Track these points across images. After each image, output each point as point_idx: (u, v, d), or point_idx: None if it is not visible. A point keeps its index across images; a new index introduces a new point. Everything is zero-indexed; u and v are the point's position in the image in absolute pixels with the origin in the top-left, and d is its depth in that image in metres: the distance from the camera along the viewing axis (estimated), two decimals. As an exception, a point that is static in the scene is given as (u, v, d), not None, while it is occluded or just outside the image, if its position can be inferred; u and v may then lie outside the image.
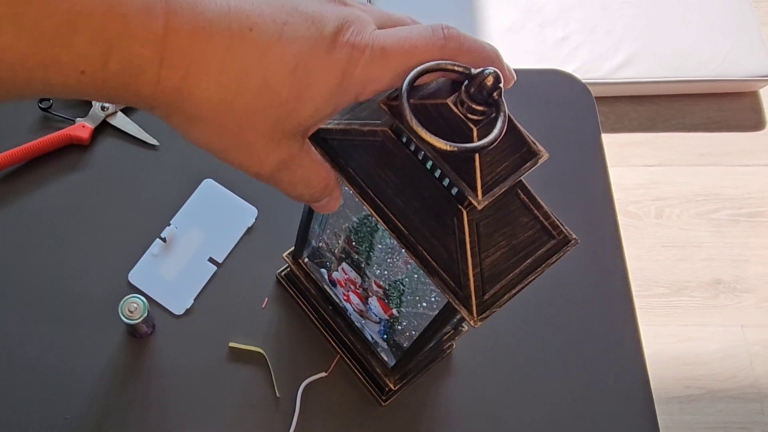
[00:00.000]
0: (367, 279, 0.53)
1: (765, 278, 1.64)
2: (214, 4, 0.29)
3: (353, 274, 0.55)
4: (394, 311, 0.53)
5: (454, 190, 0.36)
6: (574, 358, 0.68)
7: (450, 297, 0.38)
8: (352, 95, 0.32)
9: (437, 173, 0.37)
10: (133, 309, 0.62)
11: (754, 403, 1.50)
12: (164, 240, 0.69)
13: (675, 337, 1.57)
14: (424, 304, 0.48)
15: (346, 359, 0.65)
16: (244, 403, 0.64)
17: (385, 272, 0.50)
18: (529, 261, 0.39)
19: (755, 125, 1.82)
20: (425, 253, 0.38)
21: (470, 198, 0.34)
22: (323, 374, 0.65)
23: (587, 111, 0.80)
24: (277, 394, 0.64)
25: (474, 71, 0.32)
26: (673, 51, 1.70)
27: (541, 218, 0.40)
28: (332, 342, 0.65)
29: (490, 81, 0.31)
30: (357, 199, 0.41)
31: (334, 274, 0.59)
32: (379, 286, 0.52)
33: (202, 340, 0.66)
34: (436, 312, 0.46)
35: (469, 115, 0.32)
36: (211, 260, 0.69)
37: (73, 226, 0.70)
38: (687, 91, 1.78)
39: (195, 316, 0.67)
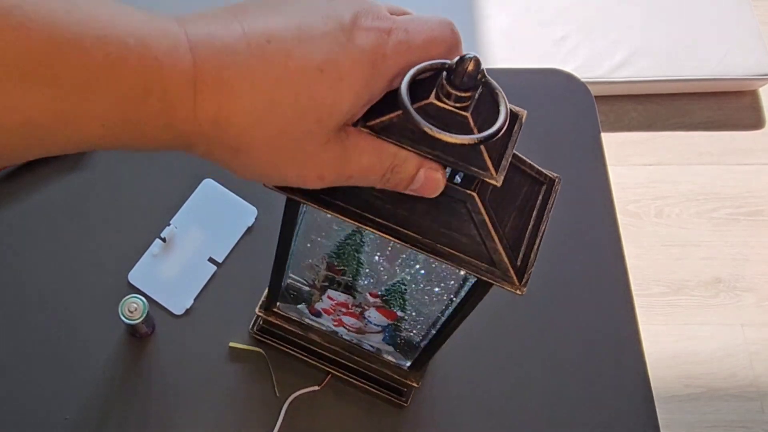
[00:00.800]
0: (359, 295, 0.52)
1: (765, 277, 1.64)
2: (228, 30, 0.29)
3: (342, 297, 0.53)
4: (399, 313, 0.52)
5: (457, 179, 0.37)
6: (574, 357, 0.68)
7: (488, 278, 0.38)
8: (386, 78, 0.32)
9: None
10: (133, 309, 0.62)
11: (753, 401, 1.50)
12: (164, 240, 0.69)
13: (675, 336, 1.57)
14: (437, 290, 0.48)
15: (344, 375, 0.64)
16: (244, 403, 0.64)
17: (380, 281, 0.49)
18: (534, 214, 0.40)
19: (755, 124, 1.82)
20: (448, 249, 0.38)
21: (487, 179, 0.34)
22: (315, 387, 0.64)
23: (587, 110, 0.80)
24: (277, 394, 0.64)
25: (452, 62, 0.32)
26: (672, 50, 1.70)
27: (528, 171, 0.41)
28: (325, 366, 0.64)
29: (472, 66, 0.31)
30: (348, 226, 0.41)
31: (318, 305, 0.56)
32: (376, 296, 0.51)
33: (202, 340, 0.66)
34: (455, 292, 0.46)
35: (458, 104, 0.32)
36: (210, 260, 0.69)
37: (73, 226, 0.70)
38: (686, 90, 1.78)
39: (195, 316, 0.67)
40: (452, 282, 0.47)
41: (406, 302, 0.50)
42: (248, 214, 0.71)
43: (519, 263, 0.39)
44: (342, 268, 0.49)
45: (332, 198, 0.38)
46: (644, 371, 0.68)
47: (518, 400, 0.66)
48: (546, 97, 0.81)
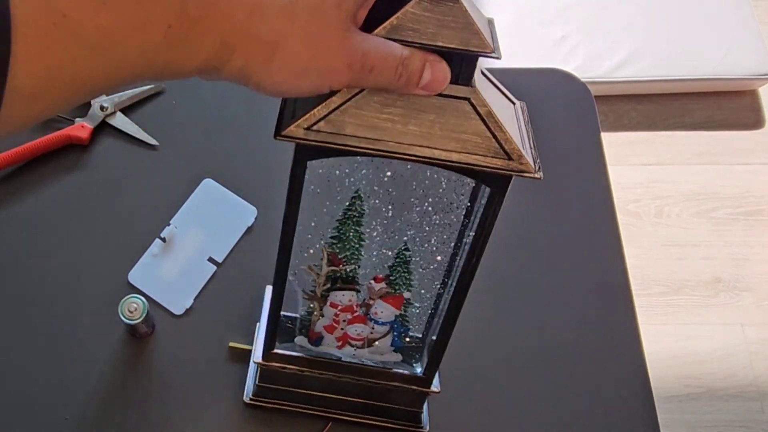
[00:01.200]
0: (363, 288, 0.52)
1: (764, 277, 1.64)
2: None
3: (346, 297, 0.53)
4: (406, 295, 0.53)
5: (458, 77, 0.39)
6: (574, 357, 0.68)
7: (507, 172, 0.40)
8: None
9: None
10: (133, 309, 0.62)
11: (753, 401, 1.50)
12: (164, 240, 0.69)
13: (674, 335, 1.57)
14: (437, 246, 0.50)
15: (351, 417, 0.63)
16: (244, 403, 0.64)
17: (383, 254, 0.50)
18: (514, 115, 0.43)
19: (754, 124, 1.82)
20: (464, 153, 0.40)
21: (489, 56, 0.38)
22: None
23: (587, 110, 0.80)
24: None
25: None
26: (672, 50, 1.70)
27: (499, 87, 0.45)
28: (328, 413, 0.63)
29: None
30: (349, 192, 0.44)
31: (319, 324, 0.55)
32: (381, 280, 0.52)
33: (202, 340, 0.66)
34: (462, 221, 0.49)
35: None
36: (210, 260, 0.69)
37: (72, 226, 0.70)
38: (686, 90, 1.78)
39: (195, 316, 0.67)
40: (460, 207, 0.48)
41: (412, 275, 0.51)
42: (248, 214, 0.71)
43: (524, 150, 0.41)
44: (344, 254, 0.50)
45: (341, 132, 0.40)
46: (644, 371, 0.68)
47: (518, 399, 0.66)
48: (546, 97, 0.81)
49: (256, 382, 0.62)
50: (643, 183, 1.74)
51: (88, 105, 0.75)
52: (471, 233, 0.48)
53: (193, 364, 0.65)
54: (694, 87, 1.76)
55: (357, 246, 0.50)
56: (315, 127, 0.39)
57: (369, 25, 0.37)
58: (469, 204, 0.48)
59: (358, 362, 0.58)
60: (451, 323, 0.52)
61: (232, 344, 0.65)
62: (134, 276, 0.68)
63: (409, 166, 0.45)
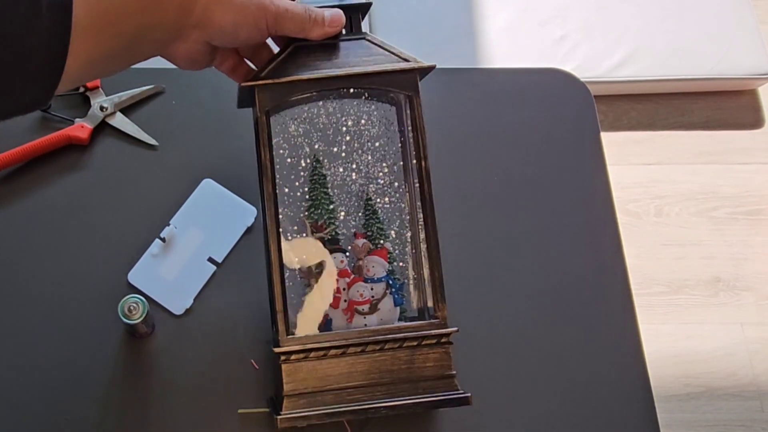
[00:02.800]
0: (350, 247, 0.61)
1: (764, 276, 1.64)
2: None
3: (338, 259, 0.61)
4: (388, 245, 0.61)
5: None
6: (574, 357, 0.68)
7: (409, 66, 0.58)
8: None
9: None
10: (132, 309, 0.62)
11: (753, 401, 1.50)
12: (164, 240, 0.69)
13: (674, 335, 1.57)
14: (390, 177, 0.62)
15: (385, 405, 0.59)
16: (244, 403, 0.64)
17: (354, 216, 0.61)
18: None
19: (754, 123, 1.82)
20: (377, 69, 0.57)
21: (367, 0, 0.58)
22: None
23: (586, 110, 0.80)
24: (278, 394, 0.64)
25: None
26: (671, 49, 1.70)
27: None
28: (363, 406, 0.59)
29: None
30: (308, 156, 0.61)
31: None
32: (360, 236, 0.61)
33: (202, 340, 0.66)
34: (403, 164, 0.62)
35: None
36: (210, 260, 0.69)
37: (72, 226, 0.70)
38: (686, 90, 1.78)
39: (195, 316, 0.67)
40: (391, 125, 0.62)
41: (383, 223, 0.61)
42: (248, 214, 0.71)
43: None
44: (323, 218, 0.60)
45: (286, 74, 0.57)
46: (644, 371, 0.68)
47: (517, 399, 0.66)
48: (545, 97, 0.81)
49: (284, 393, 0.58)
50: (642, 183, 1.74)
51: (88, 105, 0.75)
52: (411, 148, 0.60)
53: (193, 364, 0.65)
54: (693, 87, 1.76)
55: (329, 206, 0.61)
56: (267, 76, 0.56)
57: None
58: (398, 128, 0.62)
59: (373, 328, 0.58)
60: (434, 248, 0.59)
61: (241, 411, 0.64)
62: (134, 276, 0.68)
63: (335, 103, 0.61)
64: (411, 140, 0.60)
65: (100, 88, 0.76)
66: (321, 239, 0.60)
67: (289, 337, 0.58)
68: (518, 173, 0.76)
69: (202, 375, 0.65)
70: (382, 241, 0.61)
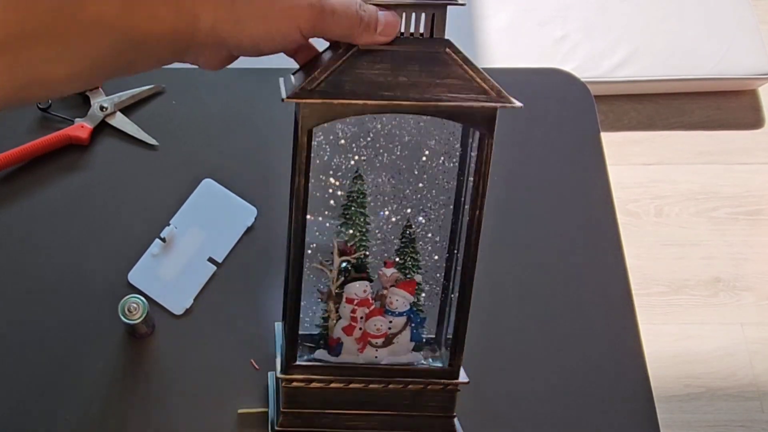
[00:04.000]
0: (376, 276, 0.54)
1: (764, 276, 1.64)
2: None
3: (361, 288, 0.53)
4: (417, 278, 0.55)
5: (432, 30, 0.45)
6: (574, 357, 0.68)
7: (491, 102, 0.46)
8: None
9: (411, 28, 0.45)
10: (132, 309, 0.62)
11: (753, 401, 1.50)
12: (164, 240, 0.69)
13: (674, 335, 1.57)
14: (438, 212, 0.54)
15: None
16: (244, 402, 0.64)
17: (389, 239, 0.53)
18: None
19: (754, 123, 1.82)
20: (450, 95, 0.45)
21: (456, 3, 0.44)
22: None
23: (586, 110, 0.80)
24: (278, 394, 0.64)
25: None
26: (671, 49, 1.70)
27: None
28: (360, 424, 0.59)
29: None
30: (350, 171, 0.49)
31: (337, 328, 0.55)
32: (391, 265, 0.54)
33: (202, 340, 0.66)
34: (454, 197, 0.53)
35: None
36: (210, 260, 0.69)
37: (72, 227, 0.70)
38: (686, 90, 1.78)
39: (195, 316, 0.67)
40: (452, 157, 0.53)
41: (419, 255, 0.54)
42: (248, 214, 0.71)
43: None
44: (353, 240, 0.53)
45: (341, 89, 0.44)
46: (644, 371, 0.68)
47: (517, 399, 0.66)
48: (546, 97, 0.81)
49: (281, 409, 0.58)
50: (642, 183, 1.74)
51: (88, 105, 0.75)
52: (469, 188, 0.51)
53: (193, 364, 0.65)
54: (693, 87, 1.76)
55: (363, 228, 0.53)
56: (318, 88, 0.44)
57: None
58: (460, 150, 0.53)
59: (380, 362, 0.57)
60: (466, 301, 0.53)
61: (241, 411, 0.64)
62: (134, 276, 0.68)
63: (396, 120, 0.51)
64: (471, 182, 0.51)
65: (100, 88, 0.76)
66: (347, 262, 0.54)
67: (295, 364, 0.56)
68: (518, 173, 0.76)
69: (202, 375, 0.65)
70: (412, 274, 0.55)
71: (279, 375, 0.56)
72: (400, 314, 0.54)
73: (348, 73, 0.44)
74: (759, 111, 1.83)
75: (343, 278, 0.53)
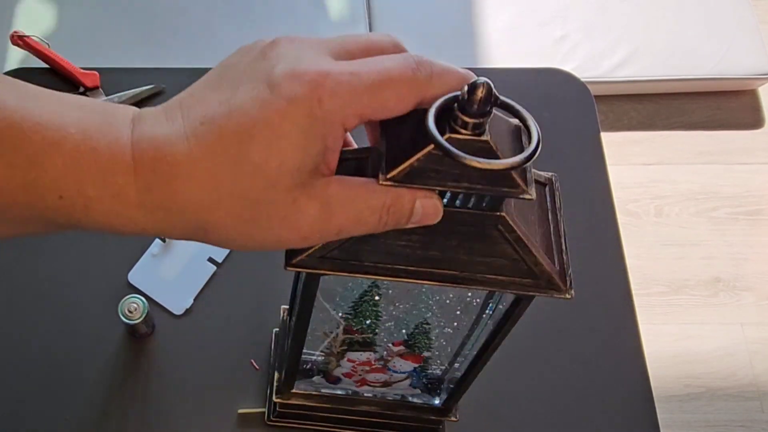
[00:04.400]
0: (380, 348, 0.51)
1: (764, 276, 1.64)
2: (171, 123, 0.30)
3: (364, 356, 0.52)
4: (426, 354, 0.51)
5: (484, 203, 0.36)
6: (574, 357, 0.68)
7: (536, 292, 0.38)
8: (332, 122, 0.30)
9: (458, 202, 0.35)
10: (132, 309, 0.62)
11: (753, 401, 1.50)
12: (164, 240, 0.69)
13: (674, 335, 1.57)
14: (461, 318, 0.48)
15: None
16: (244, 402, 0.64)
17: (402, 327, 0.48)
18: (550, 217, 0.41)
19: (754, 123, 1.82)
20: (489, 276, 0.37)
21: (522, 196, 0.33)
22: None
23: (586, 109, 0.80)
24: (278, 394, 0.64)
25: (463, 92, 0.31)
26: (671, 49, 1.70)
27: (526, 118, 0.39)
28: (349, 430, 0.62)
29: (484, 93, 0.30)
30: (365, 281, 0.41)
31: (337, 371, 0.55)
32: (399, 344, 0.50)
33: (202, 340, 0.66)
34: (479, 313, 0.47)
35: (475, 131, 0.31)
36: (210, 260, 0.69)
37: (72, 227, 0.70)
38: (686, 90, 1.78)
39: (195, 316, 0.67)
40: (477, 300, 0.47)
41: (432, 341, 0.49)
42: (248, 214, 0.71)
43: (558, 268, 0.38)
44: (360, 327, 0.48)
45: (356, 259, 0.37)
46: (644, 371, 0.68)
47: (517, 399, 0.66)
48: (546, 97, 0.81)
49: (276, 409, 0.61)
50: (642, 183, 1.74)
51: (88, 105, 0.75)
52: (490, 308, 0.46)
53: (193, 364, 0.65)
54: (693, 87, 1.76)
55: (374, 321, 0.47)
56: (329, 255, 0.36)
57: (379, 168, 0.33)
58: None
59: (376, 396, 0.58)
60: (476, 372, 0.51)
61: (241, 411, 0.64)
62: (134, 276, 0.68)
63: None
64: (492, 324, 0.47)
65: (100, 88, 0.76)
66: (350, 339, 0.50)
67: (292, 392, 0.57)
68: (518, 173, 0.76)
69: (202, 375, 0.65)
70: (421, 352, 0.51)
71: (276, 399, 0.58)
72: (403, 373, 0.54)
73: (369, 242, 0.36)
74: (759, 111, 1.83)
75: (346, 347, 0.51)
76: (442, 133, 0.31)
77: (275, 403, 0.60)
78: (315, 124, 0.29)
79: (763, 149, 1.79)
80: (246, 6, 1.50)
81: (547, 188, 0.42)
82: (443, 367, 0.55)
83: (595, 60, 1.66)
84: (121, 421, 0.63)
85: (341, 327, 0.49)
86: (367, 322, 0.47)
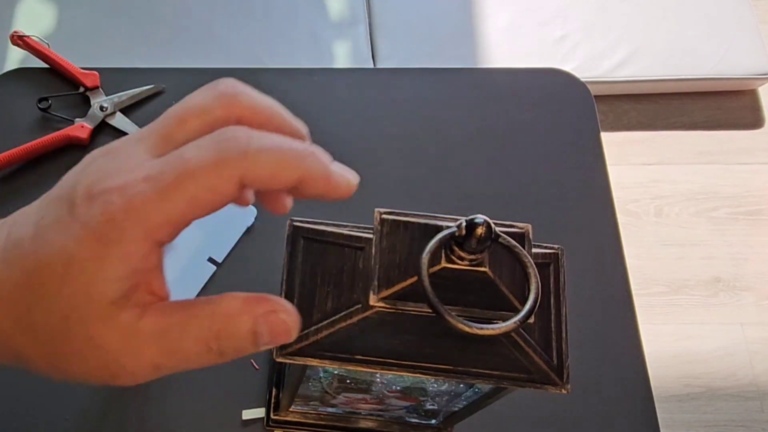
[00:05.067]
0: (375, 392, 0.51)
1: (764, 276, 1.64)
2: None
3: (359, 395, 0.51)
4: (421, 398, 0.51)
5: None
6: (574, 357, 0.68)
7: (531, 387, 0.38)
8: (133, 240, 0.27)
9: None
10: (132, 309, 0.62)
11: (753, 401, 1.50)
12: (164, 240, 0.69)
13: (674, 335, 1.57)
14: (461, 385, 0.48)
15: None
16: (244, 403, 0.64)
17: (397, 384, 0.48)
18: (552, 302, 0.40)
19: (754, 123, 1.82)
20: (484, 371, 0.37)
21: (523, 322, 0.31)
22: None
23: (586, 110, 0.80)
24: (277, 394, 0.64)
25: (461, 228, 0.30)
26: (671, 49, 1.70)
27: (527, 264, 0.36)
28: None
29: (483, 232, 0.30)
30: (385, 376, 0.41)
31: (334, 401, 0.55)
32: (395, 392, 0.49)
33: (202, 339, 0.66)
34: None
35: (473, 263, 0.31)
36: (210, 260, 0.69)
37: (72, 227, 0.70)
38: (686, 90, 1.78)
39: (195, 316, 0.67)
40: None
41: (428, 392, 0.49)
42: (248, 214, 0.71)
43: (555, 362, 0.37)
44: (354, 383, 0.48)
45: (347, 352, 0.36)
46: (644, 371, 0.68)
47: (517, 399, 0.66)
48: (545, 97, 0.81)
49: (272, 416, 0.62)
50: (642, 183, 1.74)
51: (88, 105, 0.75)
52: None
53: (193, 364, 0.65)
54: (693, 87, 1.76)
55: (369, 381, 0.47)
56: (317, 346, 0.36)
57: (368, 284, 0.32)
58: None
59: (374, 415, 0.59)
60: (474, 409, 0.51)
61: (246, 417, 0.64)
62: (134, 276, 0.68)
63: None
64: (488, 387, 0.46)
65: (100, 88, 0.76)
66: (338, 388, 0.51)
67: (290, 410, 0.59)
68: (518, 173, 0.76)
69: (202, 375, 0.65)
70: (417, 396, 0.52)
71: (273, 416, 0.60)
72: (398, 407, 0.54)
73: (361, 338, 0.35)
74: (759, 111, 1.83)
75: (341, 389, 0.51)
76: (438, 260, 0.31)
77: (272, 416, 0.62)
78: (110, 247, 0.27)
79: (763, 149, 1.79)
80: (246, 6, 1.50)
81: (551, 266, 0.41)
82: (439, 408, 0.55)
83: (595, 60, 1.66)
84: (121, 421, 0.63)
85: (335, 379, 0.49)
86: (361, 381, 0.47)
